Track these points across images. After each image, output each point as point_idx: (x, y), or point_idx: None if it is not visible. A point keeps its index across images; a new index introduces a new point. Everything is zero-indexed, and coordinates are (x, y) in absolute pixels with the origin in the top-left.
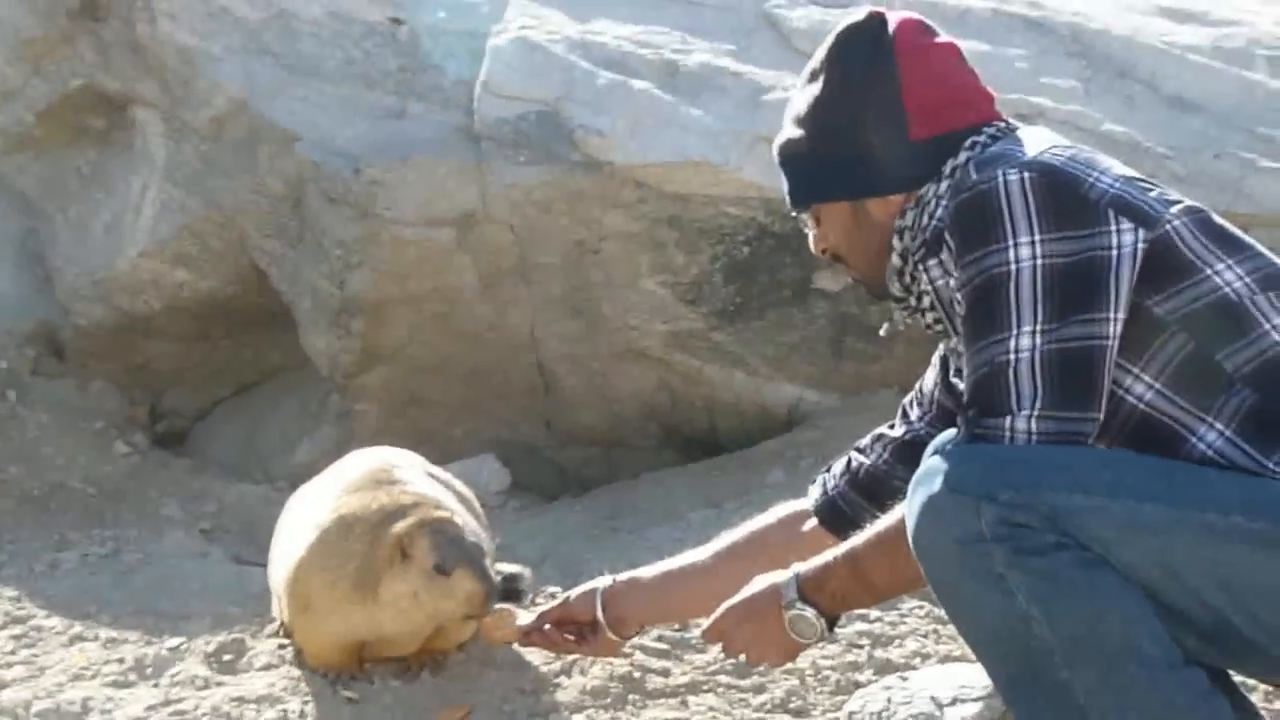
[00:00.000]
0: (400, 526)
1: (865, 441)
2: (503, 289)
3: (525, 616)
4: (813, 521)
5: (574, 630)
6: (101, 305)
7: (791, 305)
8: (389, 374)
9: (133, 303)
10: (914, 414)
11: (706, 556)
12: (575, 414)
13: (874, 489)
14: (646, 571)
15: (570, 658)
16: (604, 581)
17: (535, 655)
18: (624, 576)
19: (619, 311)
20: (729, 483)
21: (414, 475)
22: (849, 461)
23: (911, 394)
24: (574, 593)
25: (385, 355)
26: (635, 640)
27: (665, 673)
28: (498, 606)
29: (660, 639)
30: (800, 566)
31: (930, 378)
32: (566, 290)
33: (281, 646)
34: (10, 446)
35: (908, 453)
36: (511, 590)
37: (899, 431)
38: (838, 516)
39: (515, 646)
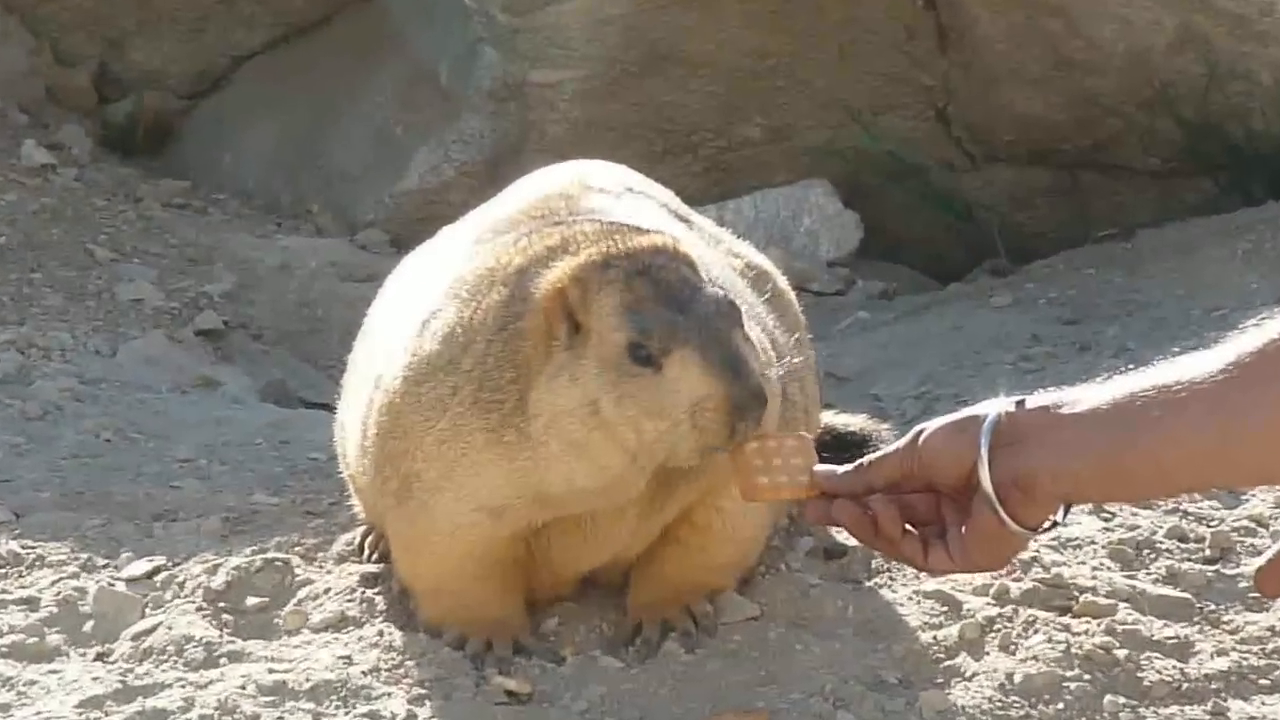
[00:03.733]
0: (563, 269)
1: None
2: None
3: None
4: None
5: (926, 505)
6: None
7: None
8: (597, 4)
9: None
10: None
11: (1207, 371)
12: (1001, 96)
13: None
14: (1085, 394)
15: (968, 600)
16: (996, 405)
17: (907, 606)
18: (1040, 400)
19: None
20: None
21: (630, 206)
22: None
23: None
24: (931, 426)
25: None
26: (1100, 576)
27: (1178, 649)
28: (794, 437)
29: (1161, 574)
30: None
31: None
32: None
33: (367, 580)
34: None
35: None
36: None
37: None
38: None
39: (834, 562)
